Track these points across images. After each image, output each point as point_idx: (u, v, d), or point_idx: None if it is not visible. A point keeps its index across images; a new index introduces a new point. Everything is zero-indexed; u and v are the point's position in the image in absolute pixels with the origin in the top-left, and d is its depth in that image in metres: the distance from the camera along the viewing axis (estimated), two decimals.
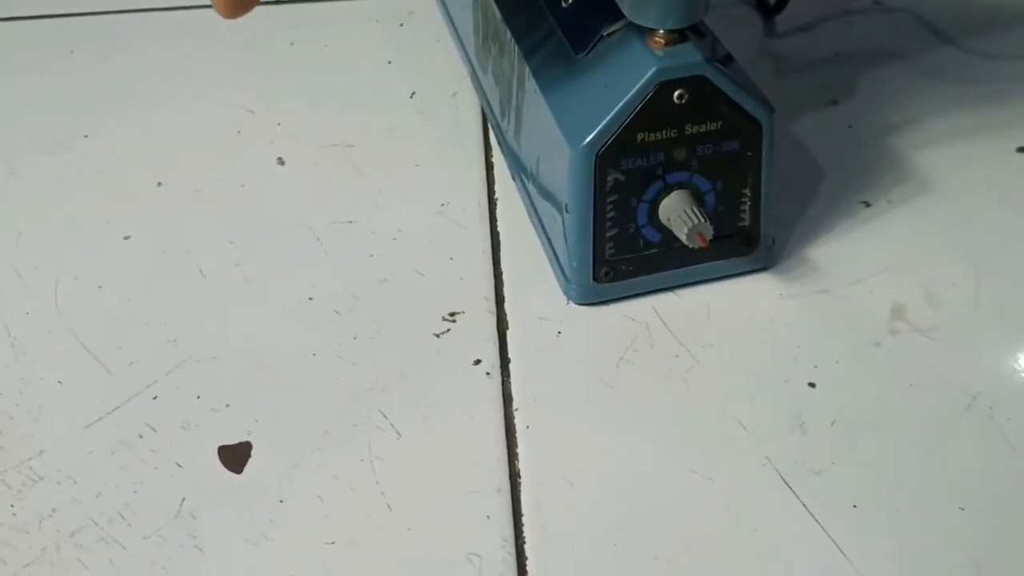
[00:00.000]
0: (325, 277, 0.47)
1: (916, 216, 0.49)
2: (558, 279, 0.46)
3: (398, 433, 0.41)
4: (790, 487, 0.38)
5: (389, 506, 0.38)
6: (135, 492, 0.39)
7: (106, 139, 0.55)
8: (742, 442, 0.40)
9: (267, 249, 0.48)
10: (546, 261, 0.47)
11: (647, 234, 0.44)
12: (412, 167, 0.53)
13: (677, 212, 0.42)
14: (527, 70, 0.46)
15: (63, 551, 0.37)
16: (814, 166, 0.51)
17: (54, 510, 0.38)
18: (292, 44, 0.60)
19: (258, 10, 0.37)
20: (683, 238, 0.42)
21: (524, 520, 0.38)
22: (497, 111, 0.52)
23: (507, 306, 0.45)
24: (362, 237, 0.49)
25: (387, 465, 0.39)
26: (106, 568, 0.37)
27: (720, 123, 0.42)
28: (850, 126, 0.54)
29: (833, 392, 0.41)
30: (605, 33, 0.43)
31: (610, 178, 0.42)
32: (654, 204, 0.43)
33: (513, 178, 0.51)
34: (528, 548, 0.37)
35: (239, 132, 0.55)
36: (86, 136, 0.55)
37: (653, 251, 0.44)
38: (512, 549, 0.37)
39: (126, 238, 0.49)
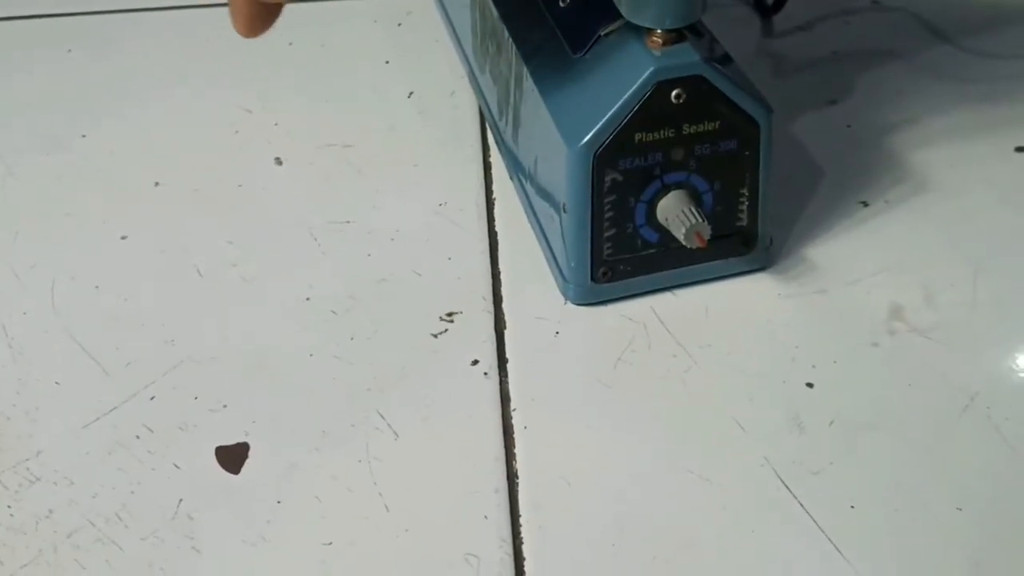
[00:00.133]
0: (323, 277, 0.47)
1: (914, 216, 0.49)
2: (556, 279, 0.46)
3: (396, 433, 0.40)
4: (788, 487, 0.38)
5: (387, 506, 0.38)
6: (132, 493, 0.39)
7: (104, 139, 0.55)
8: (740, 442, 0.40)
9: (265, 249, 0.48)
10: (544, 261, 0.47)
11: (645, 234, 0.44)
12: (410, 167, 0.53)
13: (675, 212, 0.42)
14: (525, 70, 0.46)
15: (60, 552, 0.37)
16: (812, 166, 0.51)
17: (51, 511, 0.38)
18: (290, 44, 0.60)
19: None
20: (681, 238, 0.42)
21: (522, 520, 0.38)
22: (495, 111, 0.52)
23: (505, 306, 0.45)
24: (360, 237, 0.49)
25: (385, 465, 0.39)
26: (103, 569, 0.36)
27: (718, 123, 0.42)
28: (848, 126, 0.54)
29: (831, 392, 0.41)
30: (603, 33, 0.43)
31: (608, 178, 0.42)
32: (652, 204, 0.43)
33: (511, 178, 0.51)
34: (526, 548, 0.37)
35: (237, 132, 0.55)
36: (84, 136, 0.55)
37: (651, 251, 0.44)
38: (510, 549, 0.37)
39: (123, 238, 0.49)
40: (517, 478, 0.39)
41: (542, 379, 0.42)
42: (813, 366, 0.42)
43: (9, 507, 0.38)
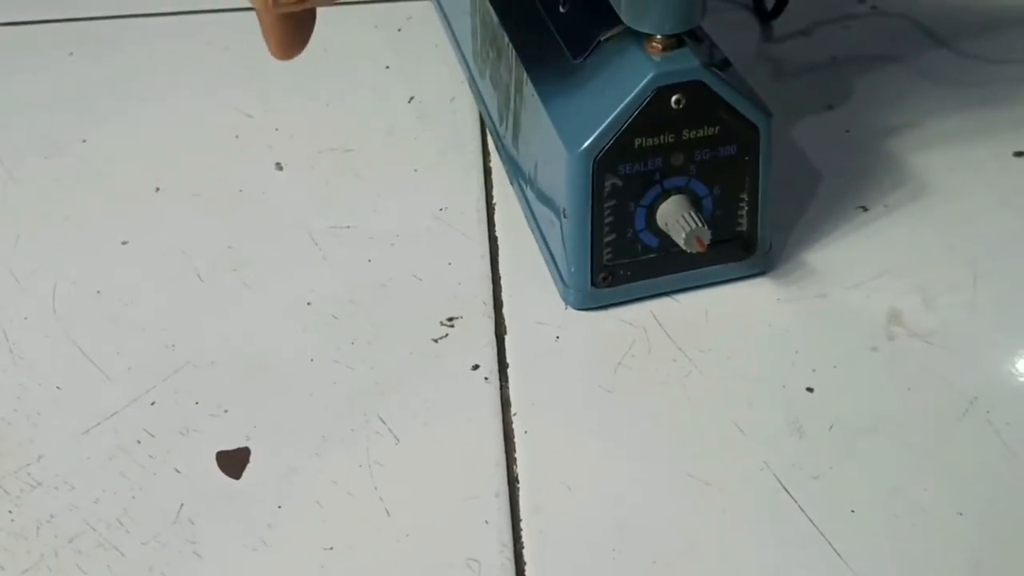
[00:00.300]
0: (324, 281, 0.47)
1: (913, 220, 0.49)
2: (556, 284, 0.46)
3: (396, 438, 0.41)
4: (788, 492, 0.38)
5: (388, 511, 0.38)
6: (133, 498, 0.39)
7: (104, 143, 0.55)
8: (740, 446, 0.40)
9: (265, 253, 0.48)
10: (544, 266, 0.47)
11: (645, 239, 0.44)
12: (410, 172, 0.53)
13: (675, 217, 0.42)
14: (525, 75, 0.46)
15: (61, 557, 0.37)
16: (811, 170, 0.51)
17: (52, 516, 0.38)
18: None
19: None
20: (681, 243, 0.42)
21: (522, 525, 0.38)
22: (495, 116, 0.53)
23: (505, 311, 0.45)
24: (360, 241, 0.49)
25: (385, 470, 0.39)
26: (104, 574, 0.37)
27: (717, 128, 0.42)
28: (847, 130, 0.54)
29: (831, 396, 0.42)
30: (603, 38, 0.43)
31: (608, 183, 0.42)
32: (652, 209, 0.43)
33: (511, 183, 0.51)
34: (527, 553, 0.37)
35: (237, 136, 0.55)
36: (84, 140, 0.55)
37: (651, 256, 0.44)
38: (510, 554, 0.37)
39: (124, 242, 0.49)
40: (518, 482, 0.39)
41: (542, 384, 0.42)
42: (813, 370, 0.42)
43: (10, 512, 0.38)
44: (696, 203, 0.43)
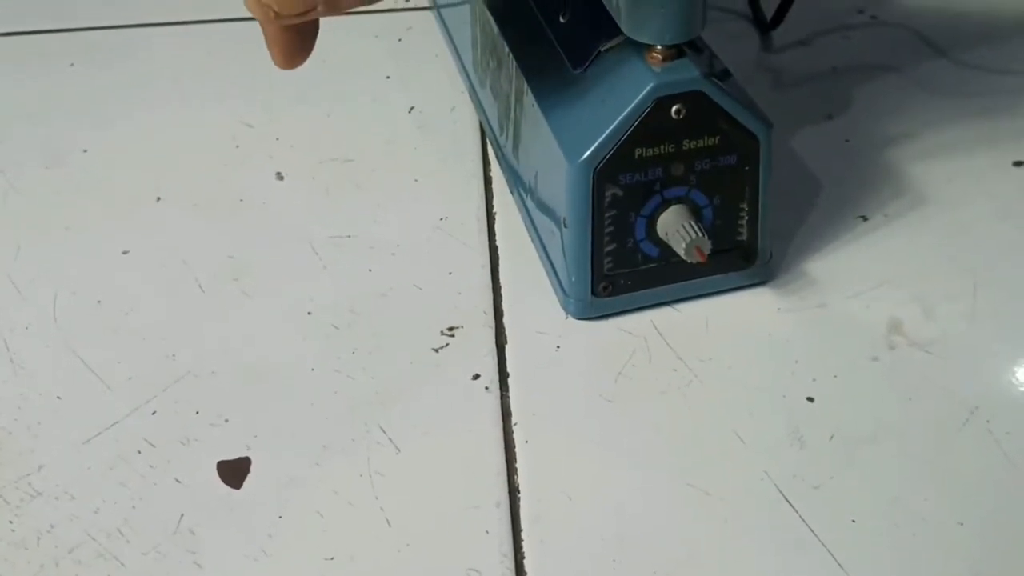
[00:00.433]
0: (324, 291, 0.47)
1: (913, 229, 0.49)
2: (557, 293, 0.46)
3: (397, 448, 0.41)
4: (789, 501, 0.38)
5: (388, 521, 0.38)
6: (134, 508, 0.39)
7: (105, 153, 0.55)
8: (741, 456, 0.40)
9: (266, 263, 0.49)
10: (545, 275, 0.47)
11: (645, 249, 0.44)
12: (411, 181, 0.53)
13: (675, 227, 0.42)
14: (525, 85, 0.46)
15: (62, 567, 0.37)
16: (811, 180, 0.51)
17: (52, 526, 0.38)
18: None
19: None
20: (681, 253, 0.42)
21: (523, 535, 0.38)
22: (495, 126, 0.53)
23: (506, 320, 0.45)
24: (361, 251, 0.49)
25: (386, 480, 0.39)
26: None
27: (718, 138, 0.42)
28: (847, 140, 0.54)
29: (831, 406, 0.42)
30: (603, 49, 0.43)
31: (608, 193, 0.42)
32: (652, 219, 0.43)
33: (511, 192, 0.51)
34: (527, 563, 0.37)
35: (238, 146, 0.55)
36: (85, 150, 0.56)
37: (651, 265, 0.44)
38: (511, 564, 0.37)
39: (125, 252, 0.49)
40: (518, 492, 0.39)
41: (543, 393, 0.42)
42: (813, 380, 0.42)
43: (11, 522, 0.38)
44: (696, 213, 0.43)
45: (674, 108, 0.41)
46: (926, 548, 0.37)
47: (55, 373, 0.44)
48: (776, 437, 0.40)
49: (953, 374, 0.43)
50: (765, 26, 0.61)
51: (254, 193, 0.52)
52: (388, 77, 0.60)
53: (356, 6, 0.36)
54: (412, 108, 0.58)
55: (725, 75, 0.42)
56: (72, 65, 0.62)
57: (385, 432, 0.41)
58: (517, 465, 0.40)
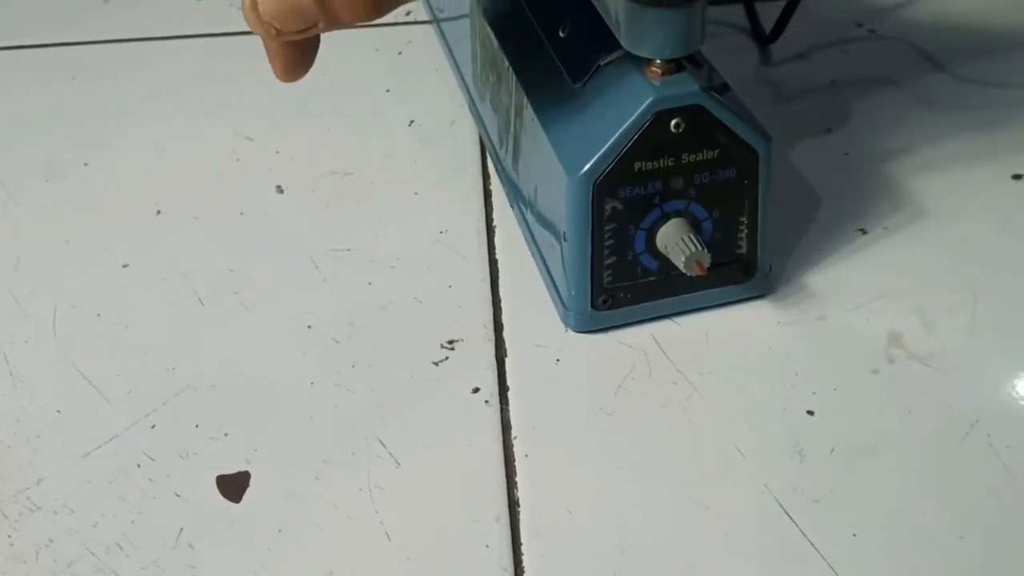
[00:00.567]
0: (324, 305, 0.47)
1: (912, 243, 0.49)
2: (556, 307, 0.46)
3: (397, 461, 0.40)
4: (789, 515, 0.38)
5: (388, 535, 0.38)
6: (133, 522, 0.39)
7: (105, 166, 0.55)
8: (741, 469, 0.40)
9: (266, 276, 0.49)
10: (544, 289, 0.47)
11: (645, 262, 0.44)
12: (411, 195, 0.53)
13: (674, 240, 0.42)
14: (525, 99, 0.46)
15: None
16: (810, 193, 0.52)
17: (51, 540, 0.38)
18: None
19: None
20: (681, 266, 0.42)
21: (523, 549, 0.38)
22: (495, 139, 0.53)
23: (506, 334, 0.45)
24: (361, 265, 0.49)
25: (386, 494, 0.39)
26: None
27: (717, 151, 0.42)
28: (846, 153, 0.54)
29: (831, 419, 0.41)
30: (602, 63, 0.43)
31: (608, 207, 0.42)
32: (651, 232, 0.43)
33: (511, 206, 0.51)
34: None
35: (238, 159, 0.56)
36: (85, 164, 0.56)
37: (651, 279, 0.44)
38: None
39: (125, 265, 0.49)
40: (518, 506, 0.39)
41: (543, 407, 0.42)
42: (813, 393, 0.42)
43: (9, 536, 0.38)
44: (696, 226, 0.43)
45: (673, 122, 0.41)
46: (927, 562, 0.37)
47: (54, 386, 0.44)
48: (776, 450, 0.40)
49: (953, 387, 0.43)
50: (764, 40, 0.62)
51: (254, 206, 0.52)
52: (388, 90, 0.60)
53: (357, 22, 0.36)
54: (412, 121, 0.58)
55: (724, 89, 0.43)
56: (73, 78, 0.62)
57: (385, 446, 0.41)
58: (517, 479, 0.40)
